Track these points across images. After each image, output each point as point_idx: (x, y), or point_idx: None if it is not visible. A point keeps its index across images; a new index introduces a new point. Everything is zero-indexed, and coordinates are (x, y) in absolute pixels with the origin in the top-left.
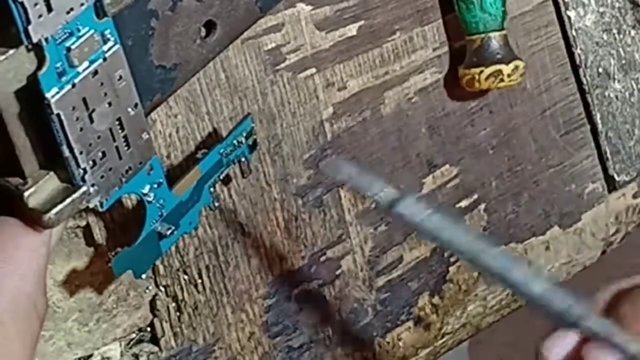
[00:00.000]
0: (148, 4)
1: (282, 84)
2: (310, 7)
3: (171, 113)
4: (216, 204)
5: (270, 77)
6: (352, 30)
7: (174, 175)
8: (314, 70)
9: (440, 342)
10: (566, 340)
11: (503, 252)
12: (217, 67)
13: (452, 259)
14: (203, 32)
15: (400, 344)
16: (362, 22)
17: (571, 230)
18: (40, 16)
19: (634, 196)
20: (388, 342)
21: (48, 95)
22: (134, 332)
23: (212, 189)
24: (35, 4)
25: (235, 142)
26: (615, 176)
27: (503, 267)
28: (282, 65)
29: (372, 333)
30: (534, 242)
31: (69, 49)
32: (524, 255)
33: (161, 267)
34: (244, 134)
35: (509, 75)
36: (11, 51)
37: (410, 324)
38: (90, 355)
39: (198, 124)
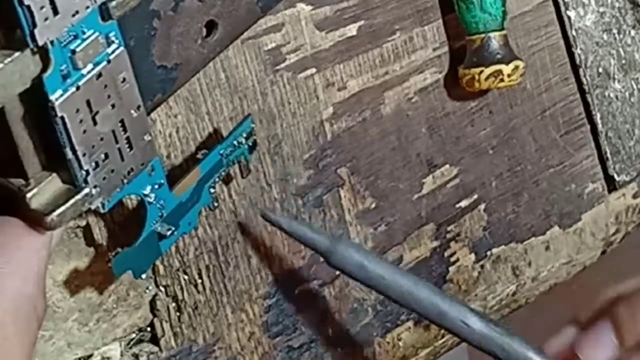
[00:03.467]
0: (151, 4)
1: (282, 84)
2: (310, 7)
3: (171, 113)
4: (216, 204)
5: (270, 77)
6: (352, 30)
7: (174, 175)
8: (314, 70)
9: (440, 342)
10: (564, 336)
11: (440, 293)
12: (217, 67)
13: (452, 259)
14: (204, 32)
15: (400, 344)
16: (362, 22)
17: (571, 230)
18: (46, 19)
19: (634, 196)
20: (388, 342)
21: (52, 97)
22: (134, 332)
23: (212, 190)
24: (42, 7)
25: (235, 142)
26: (615, 176)
27: (441, 310)
28: (282, 65)
29: (372, 333)
30: (534, 242)
31: (73, 52)
32: (524, 255)
33: (161, 267)
34: (244, 135)
35: (509, 75)
36: (17, 54)
37: (410, 324)
38: (90, 355)
39: (198, 124)
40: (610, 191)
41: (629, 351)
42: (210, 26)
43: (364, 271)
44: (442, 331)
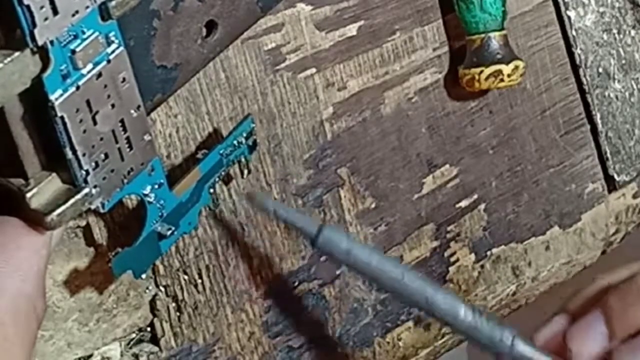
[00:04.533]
0: (150, 4)
1: (282, 84)
2: (310, 7)
3: (171, 113)
4: (216, 204)
5: (270, 77)
6: (352, 30)
7: (174, 175)
8: (314, 70)
9: (440, 342)
10: (554, 325)
11: (428, 281)
12: (217, 67)
13: (452, 259)
14: (204, 32)
15: (400, 344)
16: (362, 22)
17: (571, 230)
18: (45, 19)
19: (634, 196)
20: (388, 342)
21: (52, 97)
22: (134, 332)
23: (212, 190)
24: (42, 7)
25: (235, 142)
26: (615, 176)
27: (428, 297)
28: (282, 65)
29: (372, 333)
30: (534, 242)
31: (73, 52)
32: (524, 255)
33: (161, 267)
34: (244, 135)
35: (509, 75)
36: (16, 53)
37: (410, 324)
38: (90, 355)
39: (198, 124)
40: (610, 191)
41: (619, 341)
42: (210, 26)
43: (350, 257)
44: (442, 331)
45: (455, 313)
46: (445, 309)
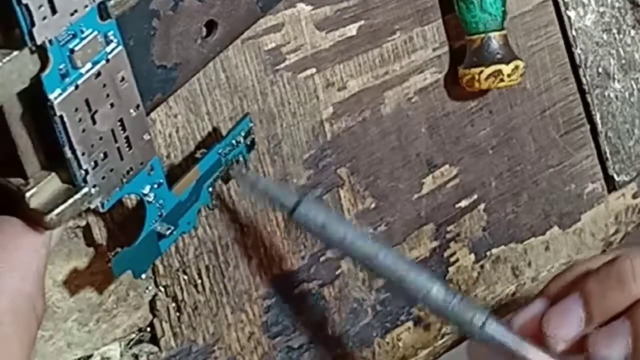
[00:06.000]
0: (150, 4)
1: (282, 84)
2: (310, 7)
3: (171, 113)
4: (215, 204)
5: (270, 77)
6: (352, 30)
7: (173, 175)
8: (314, 70)
9: (440, 342)
10: (532, 309)
11: (403, 258)
12: (217, 67)
13: (451, 259)
14: (204, 31)
15: (400, 344)
16: (362, 22)
17: (571, 230)
18: (44, 18)
19: (634, 196)
20: (388, 343)
21: (51, 96)
22: (133, 333)
23: (211, 189)
24: (40, 6)
25: (233, 141)
26: (615, 176)
27: (402, 274)
28: (282, 65)
29: (371, 333)
30: (534, 242)
31: (72, 51)
32: (524, 255)
33: (161, 267)
34: (243, 134)
35: (509, 75)
36: (15, 53)
37: (410, 324)
38: (90, 356)
39: (198, 124)
40: (610, 191)
41: (596, 325)
42: (210, 26)
43: (326, 230)
44: (442, 331)
45: (427, 291)
46: (418, 286)
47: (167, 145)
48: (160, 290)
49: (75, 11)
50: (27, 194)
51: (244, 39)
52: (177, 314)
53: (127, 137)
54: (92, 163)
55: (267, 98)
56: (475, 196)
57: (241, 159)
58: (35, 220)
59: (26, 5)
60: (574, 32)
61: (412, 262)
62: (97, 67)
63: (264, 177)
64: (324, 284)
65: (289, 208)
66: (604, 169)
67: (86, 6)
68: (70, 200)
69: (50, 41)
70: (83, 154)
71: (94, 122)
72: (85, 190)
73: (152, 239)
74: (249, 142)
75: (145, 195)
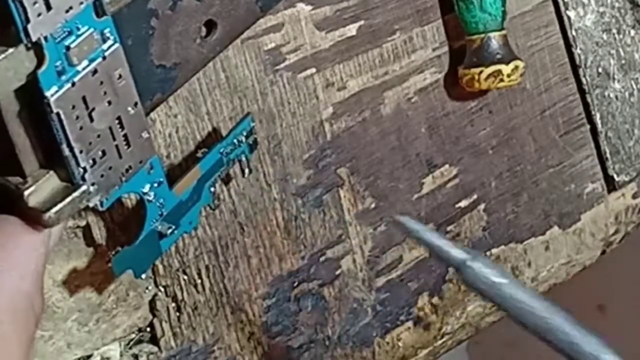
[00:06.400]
0: (148, 3)
1: (282, 84)
2: (310, 7)
3: (171, 113)
4: (216, 204)
5: (270, 77)
6: (352, 30)
7: (173, 175)
8: (313, 70)
9: (440, 342)
10: None
11: (575, 322)
12: (217, 67)
13: None
14: (203, 31)
15: (400, 344)
16: (362, 22)
17: (571, 230)
18: (39, 15)
19: (634, 196)
20: (388, 343)
21: (47, 94)
22: (133, 333)
23: (212, 189)
24: (34, 3)
25: (235, 141)
26: (615, 176)
27: (573, 342)
28: (282, 65)
29: (371, 333)
30: (534, 242)
31: (68, 48)
32: (524, 255)
33: (161, 267)
34: (244, 133)
35: (508, 75)
36: (10, 50)
37: (409, 324)
38: (90, 356)
39: (198, 124)
40: (609, 191)
41: None
42: (210, 26)
43: (499, 291)
44: (442, 331)
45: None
46: (589, 355)
47: (167, 145)
48: (160, 290)
49: (71, 8)
50: (26, 193)
51: (244, 39)
52: (177, 314)
53: (125, 135)
54: (90, 161)
55: (267, 98)
56: (475, 196)
57: (243, 158)
58: (34, 218)
59: (21, 2)
60: (573, 32)
61: (587, 329)
62: (94, 64)
63: (432, 229)
64: (324, 284)
65: (459, 266)
66: (604, 169)
67: (81, 3)
68: (69, 198)
69: (45, 38)
70: (81, 151)
71: (92, 120)
72: (83, 188)
73: (153, 239)
74: (251, 142)
75: (145, 194)
